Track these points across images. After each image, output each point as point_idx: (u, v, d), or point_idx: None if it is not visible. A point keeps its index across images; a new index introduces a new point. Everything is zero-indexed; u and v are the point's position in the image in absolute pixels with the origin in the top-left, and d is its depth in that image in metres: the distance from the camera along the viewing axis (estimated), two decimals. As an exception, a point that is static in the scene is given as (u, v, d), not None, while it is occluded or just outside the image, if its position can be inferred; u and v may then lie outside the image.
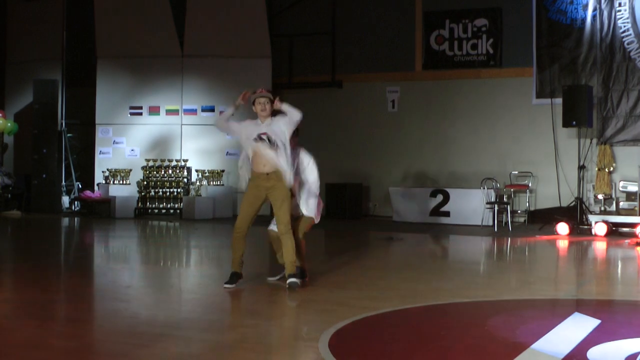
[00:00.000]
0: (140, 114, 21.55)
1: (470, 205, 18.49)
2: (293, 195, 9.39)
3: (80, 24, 22.66)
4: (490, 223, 17.73)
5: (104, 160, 21.50)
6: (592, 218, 16.52)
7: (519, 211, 19.27)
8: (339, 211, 20.04)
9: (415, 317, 7.91)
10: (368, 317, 7.48)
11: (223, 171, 20.68)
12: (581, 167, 17.57)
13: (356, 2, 21.59)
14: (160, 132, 21.48)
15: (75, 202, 21.87)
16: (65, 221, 19.76)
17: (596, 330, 6.88)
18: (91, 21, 21.78)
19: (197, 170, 20.85)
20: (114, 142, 21.61)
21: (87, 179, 22.03)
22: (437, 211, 18.82)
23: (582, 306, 8.36)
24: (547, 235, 16.16)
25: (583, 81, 18.41)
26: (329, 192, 20.24)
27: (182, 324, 7.34)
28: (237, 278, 9.10)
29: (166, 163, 20.98)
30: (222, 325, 7.22)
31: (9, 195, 21.64)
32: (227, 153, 21.06)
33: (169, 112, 21.48)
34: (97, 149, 21.64)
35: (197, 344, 6.48)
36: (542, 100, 19.19)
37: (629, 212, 16.85)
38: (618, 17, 18.30)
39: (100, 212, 20.55)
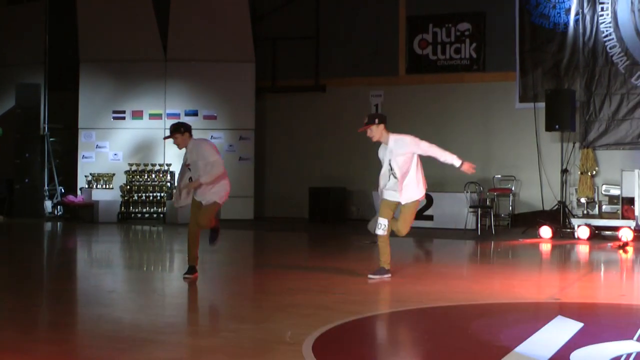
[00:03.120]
0: (124, 118, 21.48)
1: (454, 209, 18.51)
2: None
3: (63, 28, 22.59)
4: (474, 227, 17.76)
5: (87, 164, 21.42)
6: (574, 221, 16.56)
7: (502, 215, 19.31)
8: (322, 215, 20.05)
9: (399, 321, 7.92)
10: (351, 321, 7.47)
11: (206, 175, 20.63)
12: (564, 171, 17.63)
13: (340, 7, 21.61)
14: (143, 137, 21.41)
15: (58, 207, 21.79)
16: (48, 226, 19.68)
17: (579, 333, 6.89)
18: (74, 25, 21.70)
19: (180, 175, 20.77)
20: (97, 147, 21.53)
21: (70, 183, 21.94)
22: (420, 215, 18.78)
23: (565, 309, 8.38)
24: (530, 238, 16.20)
25: (566, 85, 18.48)
26: (312, 196, 20.27)
27: (165, 328, 7.31)
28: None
29: (149, 167, 20.92)
30: (205, 330, 7.21)
31: (-9, 200, 21.57)
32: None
33: (152, 116, 21.42)
34: (80, 153, 21.54)
35: (180, 348, 6.47)
36: (525, 104, 19.24)
37: (612, 215, 16.90)
38: (600, 21, 18.37)
39: (83, 216, 20.48)
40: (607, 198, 17.72)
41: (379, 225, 10.02)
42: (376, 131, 10.08)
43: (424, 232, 17.66)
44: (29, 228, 18.98)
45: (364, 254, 14.24)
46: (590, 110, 18.43)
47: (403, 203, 10.09)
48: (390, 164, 10.04)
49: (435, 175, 19.64)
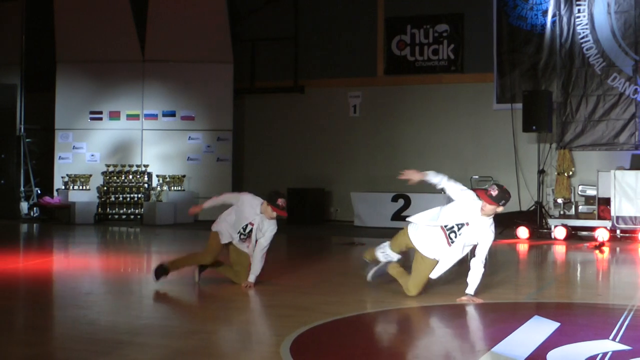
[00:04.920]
0: (101, 119, 21.39)
1: (432, 209, 18.51)
2: None
3: (39, 29, 22.46)
4: (452, 227, 17.76)
5: (64, 165, 21.31)
6: (551, 222, 16.64)
7: (479, 215, 19.33)
8: (300, 216, 20.01)
9: (377, 322, 7.93)
10: (330, 322, 7.47)
11: (184, 176, 20.60)
12: (541, 172, 17.71)
13: (318, 8, 21.61)
14: (120, 138, 21.33)
15: (35, 208, 21.66)
16: (24, 227, 19.57)
17: (556, 332, 6.92)
18: (51, 25, 21.58)
19: (158, 176, 20.72)
20: (74, 148, 21.42)
21: (47, 184, 21.81)
22: (398, 216, 18.83)
23: (542, 309, 8.41)
24: (508, 239, 16.24)
25: (543, 86, 18.56)
26: (291, 197, 20.20)
27: (142, 330, 7.29)
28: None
29: (127, 168, 20.84)
30: (182, 332, 7.18)
31: (-33, 202, 21.42)
32: (188, 158, 21.03)
33: (130, 117, 21.34)
34: (57, 154, 21.43)
35: (158, 350, 6.44)
36: (503, 105, 19.31)
37: (588, 216, 16.98)
38: (577, 23, 18.46)
39: (60, 218, 20.38)
40: (583, 198, 17.80)
41: (383, 250, 9.23)
42: (492, 212, 8.57)
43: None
44: (5, 229, 18.86)
45: (343, 255, 14.25)
46: (567, 112, 18.52)
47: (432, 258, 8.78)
48: (457, 227, 8.63)
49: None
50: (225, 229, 9.70)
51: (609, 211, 15.96)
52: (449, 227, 8.61)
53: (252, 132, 22.07)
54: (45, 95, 21.82)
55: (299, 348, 6.38)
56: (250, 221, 9.53)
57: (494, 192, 8.49)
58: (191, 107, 21.34)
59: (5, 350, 6.46)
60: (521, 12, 19.09)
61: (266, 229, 9.52)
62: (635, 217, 15.71)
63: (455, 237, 8.59)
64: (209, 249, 9.81)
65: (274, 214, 9.47)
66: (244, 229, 9.56)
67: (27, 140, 22.26)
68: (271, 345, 6.51)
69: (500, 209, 8.57)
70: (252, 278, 9.45)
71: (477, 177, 19.40)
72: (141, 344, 6.66)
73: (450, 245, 8.61)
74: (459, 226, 8.59)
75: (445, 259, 8.68)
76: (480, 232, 8.57)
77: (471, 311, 8.26)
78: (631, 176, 15.84)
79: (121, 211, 20.62)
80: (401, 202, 18.87)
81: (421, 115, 20.32)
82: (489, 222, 8.61)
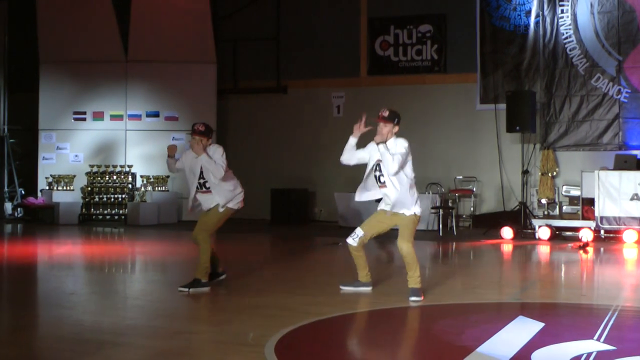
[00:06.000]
0: (84, 119, 21.33)
1: (416, 210, 18.53)
2: None
3: (22, 29, 22.39)
4: (436, 228, 17.83)
5: (48, 166, 21.24)
6: (535, 222, 16.68)
7: (463, 216, 19.41)
8: (284, 217, 20.02)
9: (362, 322, 7.93)
10: (314, 322, 7.47)
11: (168, 177, 20.55)
12: (525, 172, 17.75)
13: (301, 8, 21.62)
14: (104, 138, 21.28)
15: (18, 209, 21.59)
16: (8, 228, 19.48)
17: (540, 333, 6.94)
18: (34, 26, 21.51)
19: (141, 176, 20.68)
20: (58, 148, 21.35)
21: (30, 185, 21.75)
22: (382, 216, 18.82)
23: (526, 309, 8.43)
24: (492, 239, 16.29)
25: (526, 87, 18.61)
26: (274, 198, 20.24)
27: (126, 330, 7.27)
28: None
29: (110, 169, 20.79)
30: (167, 332, 7.17)
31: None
32: (173, 158, 20.97)
33: (113, 117, 21.29)
34: (40, 155, 21.36)
35: (142, 350, 6.43)
36: (486, 105, 19.36)
37: (572, 216, 17.05)
38: (560, 23, 18.53)
39: (44, 218, 20.32)
40: (567, 199, 17.89)
41: (352, 234, 9.42)
42: (387, 131, 9.05)
43: (385, 233, 17.64)
44: (-12, 230, 18.79)
45: (327, 255, 14.25)
46: (550, 112, 18.59)
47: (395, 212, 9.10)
48: (377, 167, 9.07)
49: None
50: (190, 203, 9.74)
51: (593, 211, 16.03)
52: (375, 172, 9.10)
53: (235, 133, 22.03)
54: (29, 96, 21.76)
55: (283, 348, 6.38)
56: (199, 167, 9.54)
57: (386, 113, 9.25)
58: (175, 108, 21.30)
59: (-11, 351, 6.43)
60: (504, 13, 19.14)
61: (206, 158, 9.49)
62: (619, 217, 15.78)
63: (381, 174, 9.01)
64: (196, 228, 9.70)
65: (196, 138, 9.50)
66: (200, 178, 9.58)
67: (11, 140, 22.20)
68: (255, 345, 6.50)
69: (396, 129, 9.19)
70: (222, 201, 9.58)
71: (460, 177, 19.44)
72: (126, 344, 6.64)
73: (382, 184, 9.05)
74: (378, 162, 9.01)
75: (390, 189, 8.98)
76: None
77: (455, 311, 8.27)
78: (615, 176, 15.90)
79: (105, 211, 20.56)
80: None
81: (404, 116, 20.06)
82: (391, 142, 9.01)
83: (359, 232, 9.31)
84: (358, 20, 20.98)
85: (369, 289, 9.45)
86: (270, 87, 21.76)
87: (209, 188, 9.54)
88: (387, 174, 8.85)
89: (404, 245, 8.93)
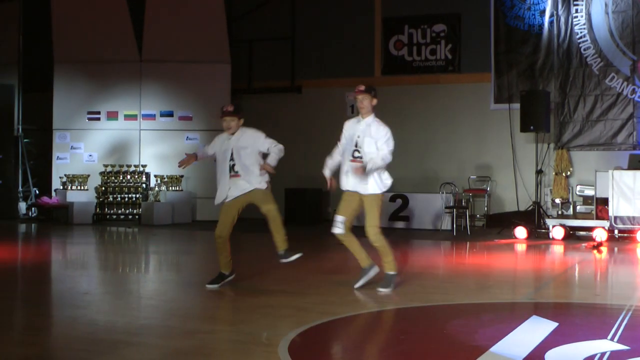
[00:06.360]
0: (99, 119, 21.38)
1: (429, 209, 18.55)
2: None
3: (37, 28, 22.47)
4: (449, 227, 17.81)
5: (62, 165, 21.30)
6: (549, 222, 16.64)
7: (477, 215, 19.38)
8: (298, 216, 20.01)
9: (375, 322, 7.93)
10: (327, 322, 7.47)
11: (182, 177, 20.57)
12: (539, 172, 17.70)
13: (315, 8, 21.63)
14: (118, 138, 21.33)
15: (33, 208, 21.66)
16: (22, 227, 19.56)
17: (554, 333, 6.93)
18: (49, 25, 21.58)
19: (155, 176, 20.72)
20: (72, 148, 21.41)
21: (45, 184, 21.82)
22: (396, 216, 18.85)
23: (540, 309, 8.42)
24: (506, 239, 16.26)
25: (540, 86, 18.57)
26: (289, 198, 20.23)
27: (140, 330, 7.28)
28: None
29: (124, 169, 20.83)
30: (181, 332, 7.18)
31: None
32: (186, 157, 21.00)
33: (128, 117, 21.33)
34: (55, 155, 21.42)
35: (156, 350, 6.44)
36: (500, 105, 19.33)
37: (586, 216, 17.00)
38: (575, 23, 18.49)
39: (58, 218, 20.38)
40: (581, 198, 17.85)
41: (334, 223, 9.52)
42: (368, 102, 9.59)
43: (399, 233, 17.68)
44: (3, 229, 18.84)
45: (341, 255, 14.24)
46: (564, 112, 18.54)
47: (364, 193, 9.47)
48: (356, 148, 9.56)
49: (411, 176, 19.72)
50: (218, 190, 9.90)
51: (607, 211, 15.98)
52: (353, 154, 9.56)
53: (249, 132, 21.99)
54: (43, 96, 21.82)
55: (297, 348, 6.38)
56: (230, 149, 9.82)
57: (362, 87, 9.59)
58: (189, 108, 21.33)
59: (4, 351, 6.45)
60: (518, 12, 19.10)
61: (242, 139, 9.81)
62: (633, 217, 15.73)
63: (360, 155, 9.42)
64: (219, 223, 9.88)
65: (227, 119, 9.94)
66: (231, 159, 9.74)
67: (25, 140, 22.26)
68: (269, 345, 6.50)
69: (374, 101, 9.65)
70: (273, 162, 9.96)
71: (474, 177, 19.41)
72: (140, 344, 6.66)
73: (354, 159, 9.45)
74: (356, 145, 9.54)
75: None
76: (372, 133, 9.54)
77: (469, 311, 8.26)
78: (629, 176, 15.85)
79: (119, 211, 20.60)
80: (399, 202, 18.85)
81: (418, 116, 20.31)
82: (371, 118, 9.67)
83: (339, 218, 9.53)
84: (372, 20, 20.97)
85: (376, 270, 9.54)
86: (285, 87, 21.78)
87: (237, 172, 9.59)
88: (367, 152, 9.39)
89: (370, 231, 9.23)
